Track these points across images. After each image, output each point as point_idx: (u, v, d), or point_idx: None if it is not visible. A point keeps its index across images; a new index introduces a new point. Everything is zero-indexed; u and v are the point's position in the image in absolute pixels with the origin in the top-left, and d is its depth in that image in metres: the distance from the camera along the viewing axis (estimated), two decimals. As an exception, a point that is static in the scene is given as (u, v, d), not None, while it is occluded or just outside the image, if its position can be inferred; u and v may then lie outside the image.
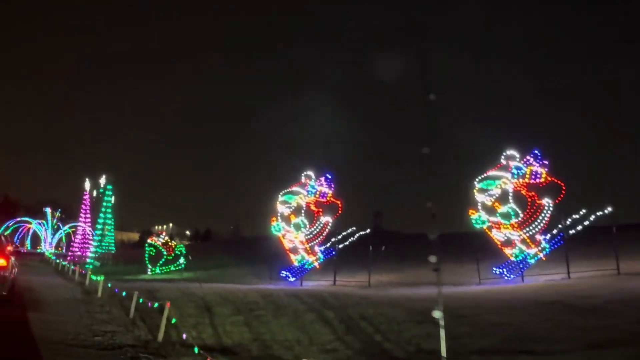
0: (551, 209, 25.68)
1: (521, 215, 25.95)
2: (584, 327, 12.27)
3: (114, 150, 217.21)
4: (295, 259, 32.34)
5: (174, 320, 13.11)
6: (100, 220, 66.48)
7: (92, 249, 64.61)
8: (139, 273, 44.62)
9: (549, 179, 25.86)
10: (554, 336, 11.76)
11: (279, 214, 33.11)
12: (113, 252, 68.81)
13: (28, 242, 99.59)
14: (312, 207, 32.47)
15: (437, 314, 6.17)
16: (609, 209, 25.54)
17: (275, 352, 12.44)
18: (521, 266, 25.79)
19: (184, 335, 12.25)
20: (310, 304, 18.52)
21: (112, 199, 66.99)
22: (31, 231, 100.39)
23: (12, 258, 16.70)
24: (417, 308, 16.41)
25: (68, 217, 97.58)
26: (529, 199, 26.08)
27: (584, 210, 25.83)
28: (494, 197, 26.38)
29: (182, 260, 46.32)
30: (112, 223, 68.74)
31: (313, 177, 32.59)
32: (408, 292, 22.61)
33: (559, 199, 25.76)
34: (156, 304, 14.50)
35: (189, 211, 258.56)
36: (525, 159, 26.26)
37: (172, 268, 45.85)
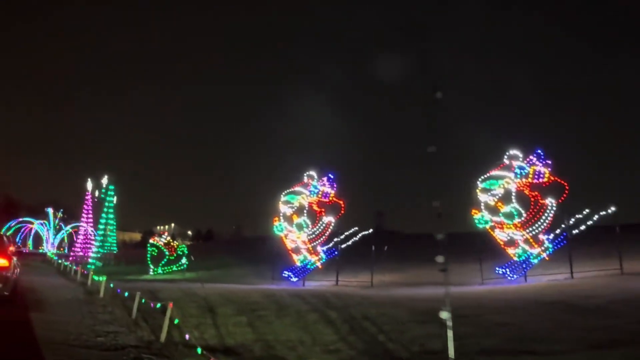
0: (554, 208, 25.62)
1: (524, 215, 25.90)
2: (586, 327, 12.22)
3: (114, 150, 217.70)
4: (297, 259, 32.30)
5: (176, 321, 13.06)
6: (103, 221, 66.52)
7: (94, 249, 64.59)
8: (141, 273, 44.66)
9: (552, 178, 25.79)
10: (556, 336, 11.71)
11: (281, 214, 33.08)
12: (115, 252, 68.83)
13: (30, 243, 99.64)
14: (315, 207, 32.44)
15: (444, 314, 6.10)
16: (612, 208, 25.48)
17: (278, 352, 12.39)
18: (524, 266, 25.73)
19: (187, 336, 12.19)
20: (313, 304, 18.47)
21: (114, 199, 66.99)
22: (33, 231, 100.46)
23: (14, 258, 16.65)
24: (419, 308, 16.38)
25: (70, 217, 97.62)
26: (532, 199, 26.02)
27: (587, 210, 25.78)
28: (497, 196, 26.33)
29: (184, 260, 46.34)
30: (114, 223, 68.75)
31: (315, 177, 32.55)
32: (410, 292, 22.58)
33: (562, 198, 25.70)
34: (158, 305, 14.46)
35: (190, 211, 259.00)
36: (528, 159, 26.20)
37: (174, 268, 45.88)
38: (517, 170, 26.09)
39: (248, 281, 32.14)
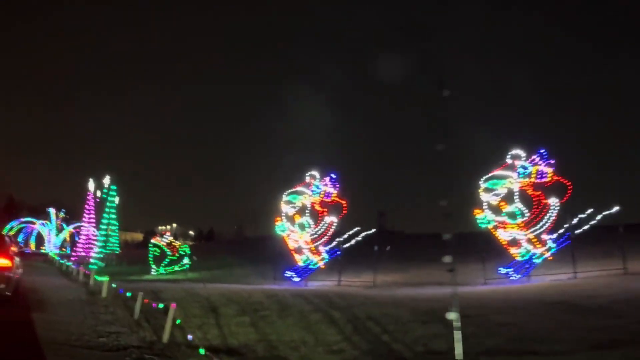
0: (557, 208, 25.55)
1: (527, 214, 25.84)
2: (588, 327, 12.18)
3: (115, 150, 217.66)
4: (299, 259, 32.25)
5: (178, 321, 13.02)
6: (105, 221, 66.51)
7: (97, 250, 64.60)
8: (143, 273, 44.61)
9: (555, 178, 25.71)
10: (558, 336, 11.66)
11: (283, 214, 33.03)
12: (117, 252, 68.81)
13: (33, 243, 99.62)
14: (317, 207, 32.41)
15: (452, 315, 6.02)
16: (616, 208, 25.39)
17: (281, 352, 12.36)
18: (527, 266, 25.67)
19: (190, 336, 12.16)
20: (316, 304, 18.43)
21: (116, 199, 66.97)
22: (35, 231, 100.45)
23: (17, 258, 16.62)
24: (422, 308, 16.33)
25: (72, 217, 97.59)
26: (535, 199, 25.96)
27: (590, 210, 25.70)
28: (500, 196, 26.26)
29: (186, 260, 46.29)
30: (116, 223, 68.75)
31: (317, 177, 32.49)
32: (413, 292, 22.52)
33: (565, 198, 25.63)
34: (161, 305, 14.42)
35: (191, 211, 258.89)
36: (531, 158, 26.12)
37: (176, 268, 45.83)
38: (520, 170, 26.01)
39: (250, 281, 32.11)
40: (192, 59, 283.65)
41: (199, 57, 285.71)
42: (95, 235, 68.16)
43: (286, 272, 32.03)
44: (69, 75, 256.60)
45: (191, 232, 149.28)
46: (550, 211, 25.61)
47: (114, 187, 66.67)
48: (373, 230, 34.75)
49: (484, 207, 26.57)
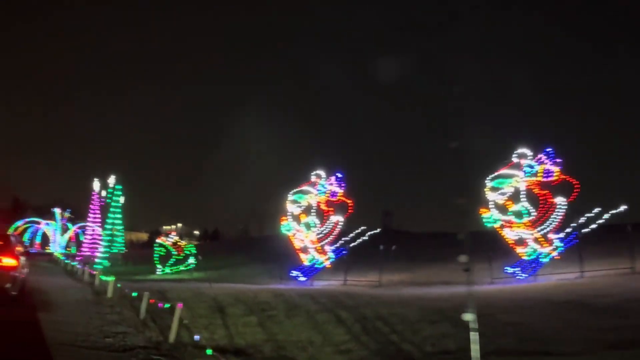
0: (564, 207, 25.43)
1: (534, 213, 25.73)
2: (599, 328, 12.10)
3: (115, 150, 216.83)
4: (305, 259, 32.20)
5: (185, 321, 12.97)
6: (110, 220, 66.49)
7: (102, 249, 64.60)
8: (148, 273, 44.66)
9: (562, 177, 25.60)
10: (569, 336, 11.58)
11: (289, 214, 32.98)
12: (123, 252, 68.81)
13: (38, 242, 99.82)
14: (323, 207, 32.34)
15: (468, 316, 5.92)
16: (623, 207, 25.24)
17: (289, 353, 12.31)
18: (534, 265, 25.55)
19: (197, 337, 12.11)
20: (323, 303, 18.38)
21: (121, 199, 66.96)
22: (40, 231, 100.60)
23: (22, 258, 16.62)
24: (430, 308, 16.28)
25: (77, 217, 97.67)
26: (542, 198, 25.85)
27: (597, 209, 25.56)
28: (506, 195, 26.16)
29: (191, 260, 46.29)
30: (122, 223, 68.71)
31: (323, 176, 32.43)
32: (419, 292, 22.48)
33: (572, 197, 25.51)
34: (167, 305, 14.37)
35: (195, 211, 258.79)
36: (537, 157, 26.02)
37: (182, 268, 45.84)
38: (527, 169, 25.91)
39: (256, 281, 32.09)
40: (192, 59, 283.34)
41: (199, 57, 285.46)
42: (101, 235, 68.16)
43: (292, 271, 31.98)
44: (69, 75, 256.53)
45: (196, 232, 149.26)
46: (557, 210, 25.49)
47: (119, 187, 66.63)
48: (378, 229, 34.71)
49: (490, 206, 26.46)
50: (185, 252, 47.19)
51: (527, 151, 26.22)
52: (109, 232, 65.13)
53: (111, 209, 67.16)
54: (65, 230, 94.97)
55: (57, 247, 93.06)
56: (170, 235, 49.90)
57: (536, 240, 25.61)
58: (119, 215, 67.02)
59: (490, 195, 26.38)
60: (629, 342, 10.56)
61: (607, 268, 23.63)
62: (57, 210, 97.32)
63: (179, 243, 48.09)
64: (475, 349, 5.87)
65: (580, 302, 15.73)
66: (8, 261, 14.14)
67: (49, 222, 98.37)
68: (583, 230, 25.40)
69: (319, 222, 32.15)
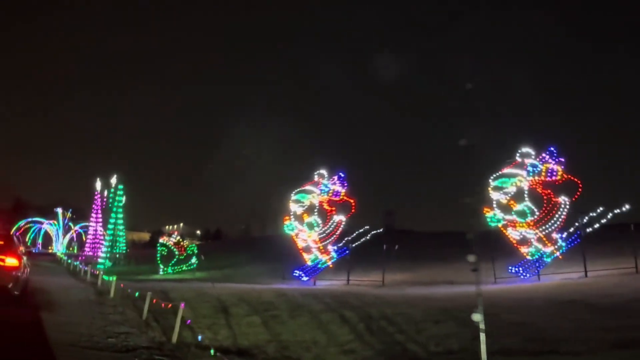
0: (567, 206, 25.38)
1: (537, 213, 25.69)
2: (605, 327, 12.03)
3: (115, 150, 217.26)
4: (308, 258, 32.17)
5: (188, 321, 12.93)
6: (112, 220, 66.45)
7: (104, 249, 64.60)
8: (151, 273, 44.65)
9: (565, 176, 25.56)
10: (576, 336, 11.51)
11: (292, 213, 32.95)
12: (125, 252, 68.80)
13: (40, 242, 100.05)
14: (325, 206, 32.33)
15: (477, 317, 5.85)
16: (627, 206, 25.20)
17: (293, 353, 12.24)
18: (537, 265, 25.51)
19: (200, 337, 12.06)
20: (326, 303, 18.35)
21: (124, 199, 66.94)
22: (42, 231, 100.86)
23: (25, 258, 16.59)
24: (434, 307, 16.24)
25: (79, 217, 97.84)
26: (545, 197, 25.82)
27: (601, 208, 25.52)
28: (510, 195, 26.11)
29: (194, 259, 46.30)
30: (123, 223, 68.66)
31: (326, 175, 32.41)
32: (423, 291, 22.44)
33: (576, 196, 25.47)
34: (170, 305, 14.33)
35: (197, 211, 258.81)
36: (541, 157, 25.97)
37: (184, 268, 45.82)
38: (530, 168, 25.89)
39: (259, 280, 32.03)
40: (192, 59, 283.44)
41: (199, 57, 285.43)
42: (103, 235, 68.18)
43: (295, 271, 31.95)
44: (69, 75, 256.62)
45: (198, 232, 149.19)
46: (560, 210, 25.44)
47: (121, 187, 66.58)
48: (381, 229, 34.70)
49: (494, 206, 26.41)
50: (188, 252, 47.21)
51: (530, 150, 26.17)
52: (111, 232, 65.08)
53: (113, 209, 67.10)
54: (67, 230, 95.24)
55: (59, 246, 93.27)
56: (172, 235, 49.88)
57: (539, 239, 25.57)
58: (121, 215, 66.95)
59: (493, 195, 26.33)
60: (633, 341, 10.50)
61: (610, 268, 23.57)
62: (59, 210, 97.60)
63: (181, 243, 48.07)
64: (483, 349, 5.79)
65: (584, 302, 15.70)
66: (10, 261, 14.09)
67: (51, 222, 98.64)
68: (586, 230, 25.36)
69: (321, 222, 32.14)
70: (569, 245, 25.48)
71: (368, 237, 32.46)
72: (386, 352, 11.86)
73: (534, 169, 25.82)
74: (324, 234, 31.97)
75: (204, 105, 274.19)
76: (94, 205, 73.82)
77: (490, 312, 14.78)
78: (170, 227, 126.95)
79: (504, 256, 27.23)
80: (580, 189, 25.49)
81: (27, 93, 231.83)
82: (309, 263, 32.05)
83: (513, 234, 26.42)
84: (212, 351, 10.34)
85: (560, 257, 25.50)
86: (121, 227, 67.62)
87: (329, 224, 31.93)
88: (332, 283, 29.65)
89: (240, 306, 18.13)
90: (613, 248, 26.73)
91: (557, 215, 25.46)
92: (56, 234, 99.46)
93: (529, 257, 25.96)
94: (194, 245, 52.00)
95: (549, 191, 25.80)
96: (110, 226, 65.91)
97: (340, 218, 31.75)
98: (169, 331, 12.97)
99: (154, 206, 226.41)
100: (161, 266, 46.14)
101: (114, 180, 67.59)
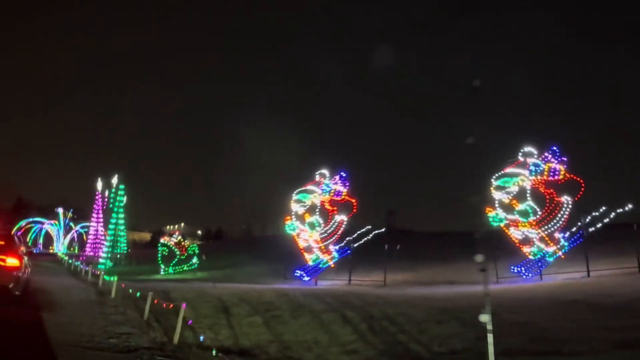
0: (570, 206, 25.32)
1: (539, 212, 25.62)
2: (608, 327, 11.98)
3: (115, 150, 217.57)
4: (309, 258, 32.12)
5: (189, 322, 12.88)
6: (113, 220, 66.35)
7: (105, 249, 64.54)
8: (152, 273, 44.61)
9: (568, 176, 25.50)
10: (578, 336, 11.45)
11: (293, 213, 32.89)
12: (126, 252, 68.72)
13: (41, 242, 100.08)
14: (327, 206, 32.28)
15: (484, 317, 5.77)
16: (629, 206, 25.14)
17: (294, 353, 12.19)
18: (539, 264, 25.45)
19: (201, 337, 12.01)
20: (328, 303, 18.31)
21: (125, 199, 66.84)
22: (43, 231, 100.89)
23: (25, 258, 16.55)
24: (435, 307, 16.21)
25: (79, 217, 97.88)
26: (548, 197, 25.76)
27: (603, 208, 25.48)
28: (512, 194, 26.05)
29: (195, 259, 46.27)
30: (124, 223, 68.54)
31: (327, 175, 32.37)
32: (424, 292, 22.40)
33: (578, 196, 25.41)
34: (171, 305, 14.28)
35: (198, 211, 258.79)
36: (543, 156, 25.92)
37: (185, 268, 45.79)
38: (532, 168, 25.84)
39: (260, 280, 32.00)
40: (192, 59, 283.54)
41: (199, 57, 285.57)
42: (104, 235, 68.12)
43: (296, 271, 31.91)
44: (69, 75, 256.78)
45: (199, 232, 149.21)
46: (562, 209, 25.39)
47: (122, 187, 66.46)
48: (383, 229, 34.66)
49: (496, 205, 26.35)
50: (189, 252, 47.19)
51: (533, 150, 26.11)
52: (112, 232, 65.00)
53: (114, 209, 67.00)
54: (68, 230, 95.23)
55: (60, 247, 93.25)
56: (173, 235, 49.85)
57: (542, 239, 25.51)
58: (122, 215, 66.85)
59: (495, 194, 26.27)
60: (636, 341, 10.44)
61: (613, 267, 23.53)
62: (60, 210, 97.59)
63: (182, 243, 48.04)
64: (491, 351, 5.72)
65: (587, 302, 15.65)
66: (11, 261, 14.06)
67: (52, 222, 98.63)
68: (589, 230, 25.31)
69: (323, 222, 32.08)
70: (572, 245, 25.44)
71: (370, 237, 32.42)
72: (389, 352, 11.81)
73: (537, 168, 25.76)
74: (326, 234, 31.93)
75: (204, 105, 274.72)
76: (95, 205, 73.75)
77: (492, 312, 14.76)
78: (171, 227, 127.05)
79: (506, 256, 27.17)
80: (582, 189, 25.43)
81: (27, 93, 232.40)
82: (310, 263, 32.01)
83: (515, 234, 26.37)
84: (213, 351, 10.29)
85: (562, 256, 25.45)
86: (122, 227, 67.49)
87: (331, 223, 31.88)
88: (334, 283, 29.60)
89: (241, 306, 18.09)
90: (616, 248, 26.68)
91: (559, 215, 25.40)
92: (57, 234, 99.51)
93: (531, 257, 25.92)
94: (195, 245, 52.00)
95: (552, 191, 25.74)
96: (111, 226, 65.79)
97: (341, 218, 31.71)
98: (170, 331, 12.93)
99: (154, 206, 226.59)
100: (162, 266, 46.10)
101: (115, 180, 67.48)
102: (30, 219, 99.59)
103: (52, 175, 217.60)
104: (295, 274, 31.73)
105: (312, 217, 32.27)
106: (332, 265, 31.73)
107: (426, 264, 33.85)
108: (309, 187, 32.73)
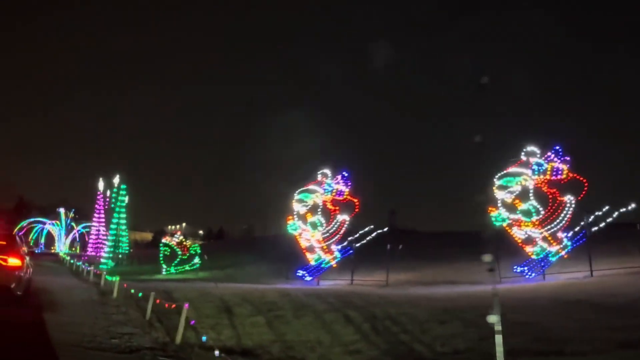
0: (573, 205, 25.25)
1: (542, 212, 25.55)
2: (611, 327, 11.91)
3: (115, 150, 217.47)
4: (311, 258, 32.08)
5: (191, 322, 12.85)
6: (115, 220, 66.34)
7: (107, 249, 64.55)
8: (153, 273, 44.61)
9: (571, 175, 25.44)
10: (581, 336, 11.39)
11: (295, 213, 32.85)
12: (128, 252, 68.71)
13: (42, 242, 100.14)
14: (329, 206, 32.23)
15: (493, 318, 5.73)
16: (633, 205, 25.06)
17: (297, 353, 12.16)
18: (542, 264, 25.39)
19: (204, 338, 11.97)
20: (330, 303, 18.27)
21: (126, 199, 66.84)
22: (45, 231, 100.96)
23: (27, 258, 16.54)
24: (438, 307, 16.17)
25: (81, 217, 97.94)
26: (550, 196, 25.69)
27: (606, 207, 25.41)
28: (515, 194, 25.99)
29: (196, 259, 46.25)
30: (126, 223, 68.52)
31: (329, 175, 32.32)
32: (427, 291, 22.35)
33: (581, 195, 25.35)
34: (173, 305, 14.26)
35: (199, 211, 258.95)
36: (546, 155, 25.86)
37: (187, 268, 45.78)
38: (535, 167, 25.76)
39: (262, 280, 31.96)
40: (192, 59, 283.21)
41: (199, 57, 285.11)
42: (106, 235, 68.10)
43: (298, 271, 31.87)
44: (69, 75, 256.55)
45: (201, 232, 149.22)
46: (565, 209, 25.32)
47: (124, 187, 66.44)
48: (386, 228, 34.60)
49: (499, 205, 26.29)
50: (191, 251, 47.18)
51: (535, 149, 26.05)
52: (113, 232, 65.00)
53: (116, 209, 66.98)
54: (70, 230, 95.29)
55: (62, 247, 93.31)
56: (175, 235, 49.83)
57: (545, 239, 25.44)
58: (124, 215, 66.85)
59: (498, 194, 26.20)
60: (639, 341, 10.39)
61: (616, 267, 23.46)
62: (62, 210, 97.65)
63: (184, 243, 48.03)
64: (500, 351, 5.67)
65: (590, 302, 15.59)
66: (13, 261, 14.05)
67: (53, 222, 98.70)
68: (592, 229, 25.24)
69: (325, 221, 32.03)
70: (575, 245, 25.36)
71: (373, 235, 32.35)
72: (391, 352, 11.76)
73: (539, 167, 25.69)
74: (328, 234, 31.88)
75: (204, 105, 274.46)
76: (96, 205, 73.74)
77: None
78: (173, 227, 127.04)
79: (508, 256, 27.07)
80: (586, 188, 25.37)
81: (27, 93, 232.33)
82: (313, 263, 31.96)
83: (518, 233, 26.29)
84: (216, 352, 10.24)
85: (565, 256, 25.37)
86: (124, 227, 67.49)
87: (333, 223, 31.83)
88: (336, 283, 29.56)
89: (243, 306, 18.07)
90: (619, 247, 26.58)
91: (562, 214, 25.33)
92: (59, 234, 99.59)
93: (534, 257, 25.83)
94: (196, 245, 51.99)
95: (555, 190, 25.66)
96: (112, 226, 65.81)
97: (343, 217, 31.65)
98: (172, 331, 12.89)
99: (155, 206, 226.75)
100: (164, 266, 46.09)
101: (116, 180, 67.48)
102: (32, 219, 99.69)
103: (52, 175, 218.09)
104: (298, 274, 31.69)
105: (314, 217, 32.23)
106: (335, 265, 31.67)
107: (427, 264, 33.77)
108: (311, 186, 32.69)
